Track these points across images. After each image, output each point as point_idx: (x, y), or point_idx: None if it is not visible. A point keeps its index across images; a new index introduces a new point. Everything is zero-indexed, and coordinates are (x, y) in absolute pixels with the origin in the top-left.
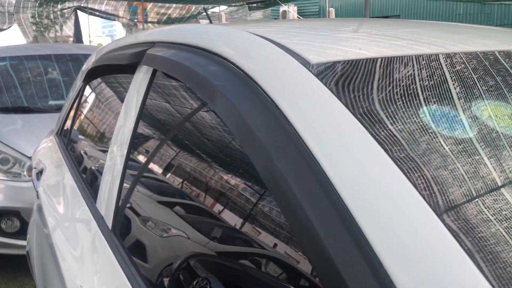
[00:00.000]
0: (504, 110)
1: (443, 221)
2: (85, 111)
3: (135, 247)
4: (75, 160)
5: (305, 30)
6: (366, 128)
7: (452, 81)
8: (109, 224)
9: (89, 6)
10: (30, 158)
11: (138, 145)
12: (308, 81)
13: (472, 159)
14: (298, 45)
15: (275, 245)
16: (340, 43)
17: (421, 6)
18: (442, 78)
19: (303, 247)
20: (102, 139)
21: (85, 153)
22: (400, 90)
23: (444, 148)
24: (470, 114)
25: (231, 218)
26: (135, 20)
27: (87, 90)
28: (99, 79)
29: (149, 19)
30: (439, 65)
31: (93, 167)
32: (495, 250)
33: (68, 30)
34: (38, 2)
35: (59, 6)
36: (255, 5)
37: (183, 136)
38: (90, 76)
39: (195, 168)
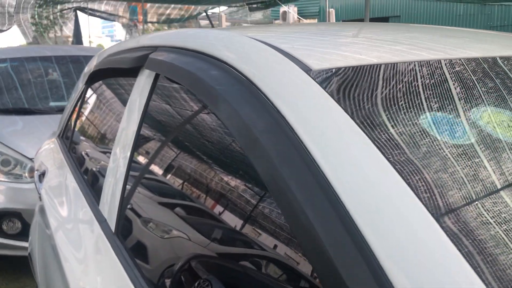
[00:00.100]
0: (501, 114)
1: (440, 223)
2: (87, 113)
3: (138, 249)
4: (77, 162)
5: (306, 34)
6: (366, 133)
7: (450, 86)
8: (112, 227)
9: (89, 6)
10: (31, 159)
11: (141, 148)
12: (309, 87)
13: (470, 163)
14: (299, 51)
15: (276, 246)
16: (340, 48)
17: (422, 7)
18: (439, 83)
19: (303, 249)
20: (104, 142)
21: (87, 155)
22: (399, 95)
23: (442, 153)
24: (467, 118)
25: (234, 220)
26: (135, 21)
27: (89, 92)
28: (101, 82)
29: (149, 20)
30: (437, 71)
31: (95, 170)
32: (491, 253)
33: (68, 31)
34: (39, 3)
35: (59, 7)
36: (255, 5)
37: (186, 138)
38: (92, 79)
39: (197, 171)
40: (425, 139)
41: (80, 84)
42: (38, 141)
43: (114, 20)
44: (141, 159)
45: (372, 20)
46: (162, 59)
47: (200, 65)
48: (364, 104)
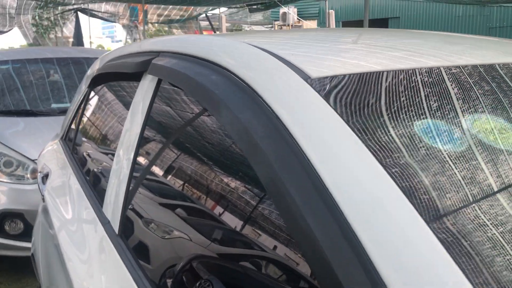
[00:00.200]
0: (495, 121)
1: (431, 227)
2: (90, 116)
3: (141, 250)
4: (80, 164)
5: (305, 41)
6: (362, 140)
7: (446, 92)
8: (116, 228)
9: (90, 7)
10: (33, 161)
11: (144, 151)
12: (308, 95)
13: (463, 170)
14: (298, 58)
15: (277, 247)
16: (339, 55)
17: (421, 8)
18: (435, 90)
19: (302, 252)
20: (107, 144)
21: (90, 157)
22: (396, 103)
23: (435, 159)
24: (462, 125)
25: (236, 221)
26: (136, 21)
27: (92, 95)
28: (104, 85)
29: (149, 20)
30: (433, 78)
31: (98, 172)
32: (481, 256)
33: (68, 32)
34: (39, 4)
35: (60, 9)
36: (255, 7)
37: (188, 141)
38: (95, 83)
39: (199, 172)
40: (419, 146)
41: (83, 87)
42: (40, 143)
43: (115, 21)
44: (144, 162)
45: (372, 21)
46: (165, 65)
47: (202, 72)
48: (361, 112)
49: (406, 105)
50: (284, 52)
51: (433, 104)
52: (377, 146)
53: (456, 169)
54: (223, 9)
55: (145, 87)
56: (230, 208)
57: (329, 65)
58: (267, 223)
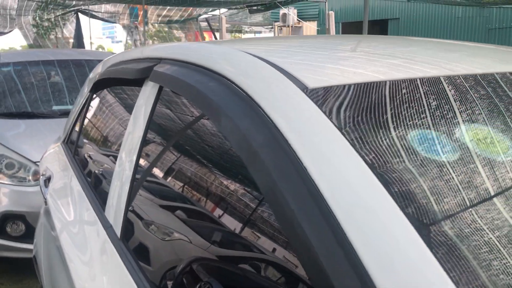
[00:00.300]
0: (490, 130)
1: (422, 235)
2: (92, 120)
3: (144, 255)
4: (82, 168)
5: (303, 49)
6: (356, 150)
7: (441, 103)
8: (118, 232)
9: (90, 8)
10: (35, 162)
11: (146, 156)
12: (305, 106)
13: (453, 179)
14: (296, 67)
15: (277, 250)
16: (338, 63)
17: (420, 9)
18: (431, 101)
19: (298, 258)
20: (109, 148)
21: (93, 161)
22: (391, 113)
23: (427, 169)
24: (456, 135)
25: (242, 224)
26: (136, 22)
27: (95, 100)
28: (106, 90)
29: (150, 21)
30: (429, 89)
31: (100, 175)
32: (467, 261)
33: (68, 33)
34: (40, 5)
35: (60, 9)
36: (255, 8)
37: (190, 145)
38: (97, 87)
39: (202, 176)
40: (414, 157)
41: (85, 90)
42: (42, 145)
43: (115, 22)
44: (146, 166)
45: (371, 22)
46: (167, 73)
47: (203, 80)
48: (357, 122)
49: (402, 116)
50: (283, 60)
51: (429, 114)
52: (372, 157)
53: (448, 177)
54: (223, 10)
55: (147, 93)
56: (232, 210)
57: (327, 73)
58: (266, 226)
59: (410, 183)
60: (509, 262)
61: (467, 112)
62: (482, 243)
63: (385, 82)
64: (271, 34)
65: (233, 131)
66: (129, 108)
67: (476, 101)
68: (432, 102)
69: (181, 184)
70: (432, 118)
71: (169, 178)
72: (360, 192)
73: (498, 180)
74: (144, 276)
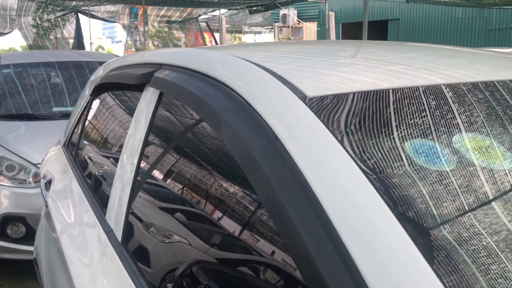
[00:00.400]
0: (490, 139)
1: (415, 242)
2: (93, 124)
3: (145, 259)
4: (83, 171)
5: (303, 55)
6: (354, 159)
7: (439, 112)
8: (119, 237)
9: (90, 8)
10: (35, 165)
11: (147, 161)
12: (304, 115)
13: (445, 188)
14: (296, 75)
15: (276, 252)
16: (337, 71)
17: (420, 10)
18: (431, 109)
19: (296, 265)
20: (110, 152)
21: (93, 164)
22: (390, 122)
23: (431, 179)
24: (448, 144)
25: (244, 228)
26: (136, 22)
27: (96, 103)
28: (107, 94)
29: (150, 21)
30: (427, 97)
31: (101, 179)
32: (459, 266)
33: (68, 34)
34: (40, 6)
35: (60, 10)
36: (255, 8)
37: (190, 150)
38: (98, 91)
39: (203, 179)
40: (413, 167)
41: (86, 93)
42: (42, 147)
43: (115, 21)
44: (147, 172)
45: (371, 23)
46: (167, 79)
47: (204, 88)
48: (356, 132)
49: (400, 124)
50: (282, 67)
51: (427, 122)
52: (370, 166)
53: (442, 184)
54: (223, 10)
55: (148, 99)
56: (232, 213)
57: (326, 81)
58: (266, 229)
59: (406, 191)
60: (498, 266)
61: (464, 118)
62: (475, 248)
63: (384, 90)
64: (271, 35)
65: (232, 139)
66: (130, 112)
67: (474, 108)
68: (430, 111)
69: (182, 187)
70: (430, 126)
71: (170, 182)
72: (358, 202)
73: (493, 185)
74: (144, 280)
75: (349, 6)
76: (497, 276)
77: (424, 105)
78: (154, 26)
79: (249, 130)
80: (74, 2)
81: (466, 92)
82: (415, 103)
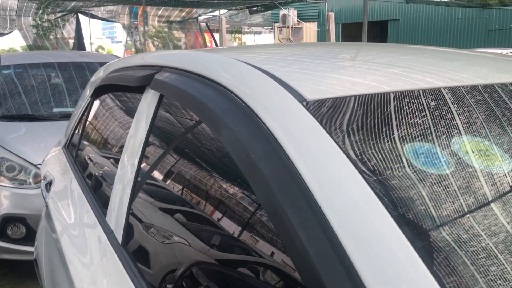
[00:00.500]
0: (481, 143)
1: (413, 244)
2: (93, 125)
3: (145, 259)
4: (84, 173)
5: (303, 58)
6: (353, 163)
7: (438, 115)
8: (119, 238)
9: (90, 8)
10: (35, 165)
11: (147, 163)
12: (304, 118)
13: (443, 190)
14: (295, 78)
15: (276, 254)
16: (336, 73)
17: (420, 10)
18: (430, 112)
19: (296, 265)
20: (110, 154)
21: (93, 166)
22: (389, 125)
23: (431, 184)
24: (447, 147)
25: (242, 228)
26: (136, 23)
27: (96, 105)
28: (107, 95)
29: (150, 21)
30: (425, 100)
31: (101, 180)
32: (458, 267)
33: (67, 34)
34: (40, 6)
35: (59, 10)
36: (255, 8)
37: (191, 152)
38: (99, 93)
39: (203, 182)
40: (414, 171)
41: (87, 95)
42: (42, 147)
43: (115, 21)
44: (147, 173)
45: (371, 23)
46: (168, 82)
47: (204, 91)
48: (355, 135)
49: (401, 128)
50: (282, 70)
51: (429, 126)
52: (369, 169)
53: (440, 186)
54: (223, 11)
55: (148, 100)
56: (233, 214)
57: (326, 84)
58: (265, 230)
59: (405, 194)
60: (497, 267)
61: (464, 121)
62: (473, 250)
63: (383, 94)
64: (271, 35)
65: (231, 141)
66: (130, 113)
67: (473, 111)
68: (430, 114)
69: (182, 189)
70: (430, 128)
71: (170, 183)
72: (357, 205)
73: (492, 187)
74: (144, 281)
75: (349, 7)
76: (495, 278)
77: (424, 108)
78: (154, 26)
79: (248, 132)
80: (73, 3)
81: (466, 95)
82: (415, 106)
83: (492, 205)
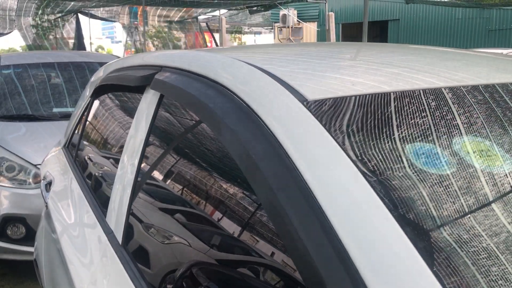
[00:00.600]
0: (482, 143)
1: (414, 244)
2: (93, 125)
3: (145, 259)
4: (84, 173)
5: (304, 58)
6: (354, 162)
7: (439, 115)
8: (119, 238)
9: (90, 8)
10: (35, 165)
11: (147, 163)
12: (305, 118)
13: (445, 190)
14: (296, 77)
15: (276, 254)
16: (337, 73)
17: (420, 10)
18: (432, 112)
19: (296, 267)
20: (110, 154)
21: (93, 166)
22: (389, 125)
23: (432, 186)
24: (448, 147)
25: (242, 228)
26: (136, 23)
27: (96, 105)
28: (107, 95)
29: (150, 21)
30: (426, 100)
31: (101, 180)
32: (459, 268)
33: (67, 34)
34: (40, 6)
35: (59, 10)
36: (255, 8)
37: (191, 152)
38: (98, 93)
39: (204, 182)
40: (416, 171)
41: (87, 95)
42: (42, 147)
43: (115, 20)
44: (148, 173)
45: (371, 23)
46: (168, 82)
47: (204, 90)
48: (356, 135)
49: (402, 128)
50: (282, 70)
51: (430, 126)
52: (371, 169)
53: (442, 186)
54: (223, 11)
55: (148, 100)
56: (233, 214)
57: (326, 84)
58: (266, 230)
59: (406, 194)
60: (498, 267)
61: (464, 121)
62: (475, 250)
63: (384, 94)
64: (271, 35)
65: (232, 141)
66: (130, 113)
67: (474, 111)
68: (430, 113)
69: (182, 189)
70: (431, 128)
71: (170, 183)
72: (358, 204)
73: (493, 187)
74: (144, 281)
75: (349, 7)
76: (497, 278)
77: (424, 108)
78: (154, 26)
79: (249, 132)
80: (73, 3)
81: (466, 95)
82: (415, 106)
83: (493, 205)
